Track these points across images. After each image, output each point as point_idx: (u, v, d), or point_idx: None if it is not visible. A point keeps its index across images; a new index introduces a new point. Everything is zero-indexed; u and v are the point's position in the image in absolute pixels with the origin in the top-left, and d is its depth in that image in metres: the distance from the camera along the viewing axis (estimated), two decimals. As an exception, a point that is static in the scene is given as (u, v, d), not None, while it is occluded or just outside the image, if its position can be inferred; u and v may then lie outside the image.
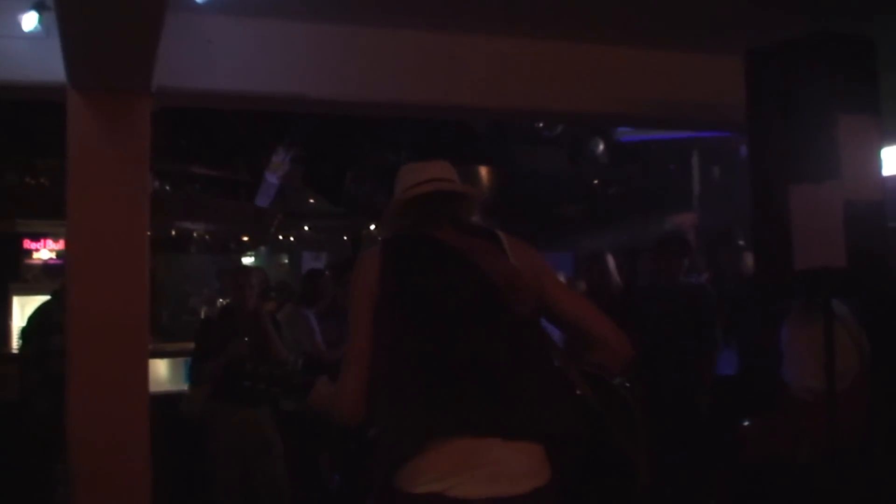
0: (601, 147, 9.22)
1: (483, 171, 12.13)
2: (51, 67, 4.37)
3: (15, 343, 7.70)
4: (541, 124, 8.34)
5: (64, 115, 4.61)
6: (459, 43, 5.18)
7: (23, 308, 9.12)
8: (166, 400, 5.89)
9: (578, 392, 2.43)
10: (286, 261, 19.41)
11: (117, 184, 4.69)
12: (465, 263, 2.45)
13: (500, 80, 5.26)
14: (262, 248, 17.43)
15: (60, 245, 10.85)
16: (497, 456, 2.24)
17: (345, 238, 15.20)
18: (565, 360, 2.51)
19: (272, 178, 9.48)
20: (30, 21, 4.37)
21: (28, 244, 11.28)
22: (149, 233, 4.89)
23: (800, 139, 3.75)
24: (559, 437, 2.32)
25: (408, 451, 2.26)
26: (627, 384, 2.55)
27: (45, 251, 11.27)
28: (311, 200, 12.18)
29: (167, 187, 9.93)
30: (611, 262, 6.48)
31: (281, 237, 16.27)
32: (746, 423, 4.74)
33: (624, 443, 2.43)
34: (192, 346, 5.97)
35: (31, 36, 4.42)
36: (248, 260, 17.30)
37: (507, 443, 2.25)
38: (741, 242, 6.18)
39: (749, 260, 6.09)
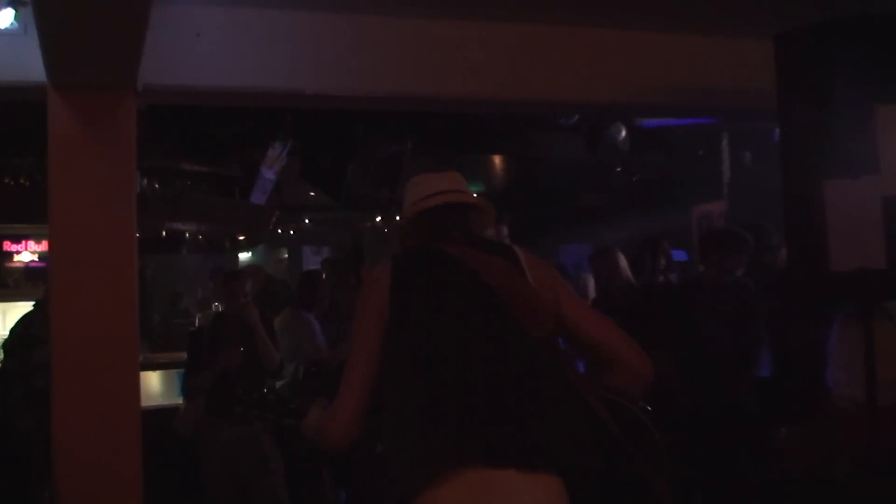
0: (623, 133, 9.20)
1: (496, 160, 12.12)
2: (29, 66, 4.40)
3: (-4, 356, 7.71)
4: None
5: (44, 111, 4.64)
6: (465, 31, 5.19)
7: (4, 315, 9.13)
8: (159, 415, 5.91)
9: (598, 418, 2.44)
10: (285, 255, 19.43)
11: (102, 186, 4.73)
12: (479, 282, 2.47)
13: (508, 70, 5.27)
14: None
15: (43, 246, 10.87)
16: (513, 488, 2.25)
17: (355, 232, 15.28)
18: (584, 384, 2.52)
19: (268, 174, 9.47)
20: (5, 18, 4.38)
21: (8, 246, 11.29)
22: (137, 235, 4.93)
23: (835, 130, 3.72)
24: (578, 467, 2.33)
25: (419, 482, 2.29)
26: (649, 408, 2.56)
27: (26, 253, 11.29)
28: (312, 193, 12.18)
29: (156, 185, 9.93)
30: (621, 259, 6.49)
31: (280, 231, 16.29)
32: (783, 431, 4.74)
33: (646, 471, 2.44)
34: (185, 356, 6.00)
35: (7, 33, 4.44)
36: (244, 256, 17.33)
37: (523, 474, 2.26)
38: (774, 241, 6.17)
39: (782, 256, 6.06)
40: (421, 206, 2.65)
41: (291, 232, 17.47)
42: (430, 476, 2.27)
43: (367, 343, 2.47)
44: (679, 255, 8.27)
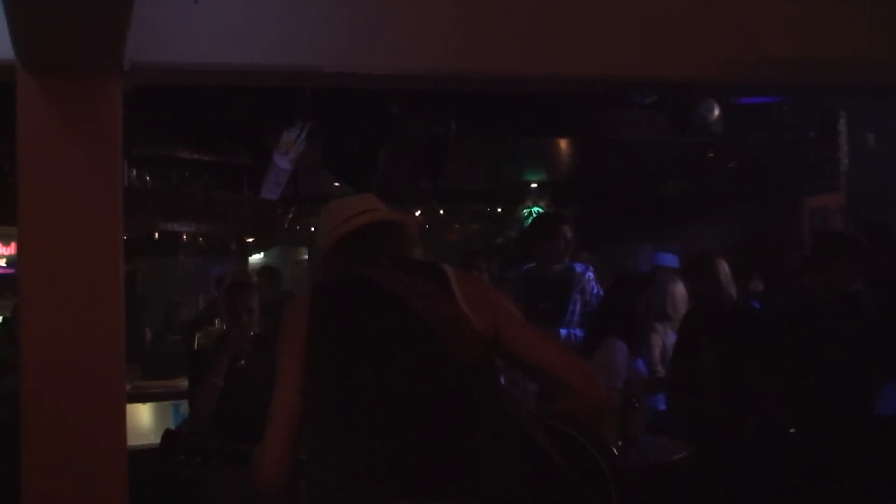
0: (715, 111, 9.12)
1: (561, 144, 12.07)
2: (-7, 42, 4.45)
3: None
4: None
5: (13, 94, 4.70)
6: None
7: (-33, 332, 9.27)
8: (151, 457, 5.95)
9: (537, 447, 2.71)
10: (305, 256, 19.51)
11: (82, 180, 4.81)
12: (403, 308, 2.76)
13: (572, 41, 5.27)
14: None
15: (12, 250, 10.99)
16: None
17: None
18: (522, 411, 2.80)
19: (283, 163, 9.44)
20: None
21: (-29, 250, 11.42)
22: (125, 237, 4.99)
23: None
24: (510, 500, 2.58)
25: None
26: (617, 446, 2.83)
27: (-8, 258, 11.44)
28: (336, 184, 12.20)
29: (147, 178, 9.98)
30: (723, 268, 6.43)
31: (298, 227, 16.36)
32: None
33: (591, 500, 2.73)
34: (181, 383, 6.02)
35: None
36: (255, 258, 17.46)
37: None
38: None
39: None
40: (340, 232, 2.96)
41: (312, 228, 17.56)
42: None
43: (289, 375, 2.78)
44: (670, 261, 8.21)
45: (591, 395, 2.91)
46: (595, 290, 6.98)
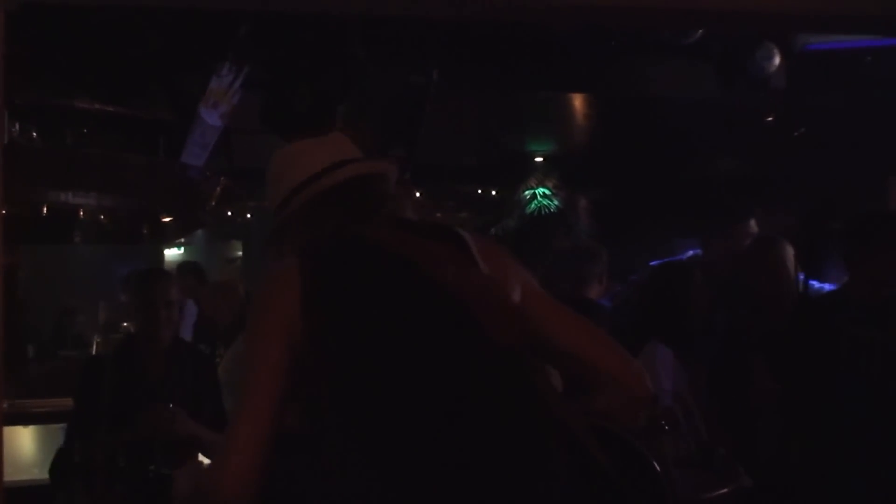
0: (776, 60, 9.16)
1: (575, 102, 12.06)
2: None
3: None
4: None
5: None
6: None
7: None
8: (35, 495, 5.97)
9: (587, 452, 2.76)
10: (239, 253, 19.48)
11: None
12: (418, 276, 2.80)
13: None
14: (198, 233, 17.43)
15: None
16: None
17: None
18: (567, 409, 2.85)
19: (211, 118, 9.45)
20: None
21: None
22: (3, 212, 4.99)
23: None
24: None
25: None
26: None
27: None
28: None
29: (33, 134, 9.92)
30: (789, 255, 6.48)
31: (230, 213, 16.29)
32: None
33: None
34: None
35: None
36: (172, 252, 17.41)
37: None
38: None
39: None
40: (322, 187, 2.99)
41: (248, 215, 17.52)
42: None
43: (268, 367, 2.76)
44: None
45: (635, 391, 2.97)
46: None
